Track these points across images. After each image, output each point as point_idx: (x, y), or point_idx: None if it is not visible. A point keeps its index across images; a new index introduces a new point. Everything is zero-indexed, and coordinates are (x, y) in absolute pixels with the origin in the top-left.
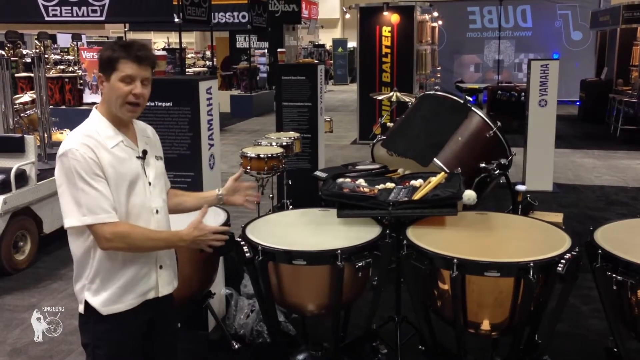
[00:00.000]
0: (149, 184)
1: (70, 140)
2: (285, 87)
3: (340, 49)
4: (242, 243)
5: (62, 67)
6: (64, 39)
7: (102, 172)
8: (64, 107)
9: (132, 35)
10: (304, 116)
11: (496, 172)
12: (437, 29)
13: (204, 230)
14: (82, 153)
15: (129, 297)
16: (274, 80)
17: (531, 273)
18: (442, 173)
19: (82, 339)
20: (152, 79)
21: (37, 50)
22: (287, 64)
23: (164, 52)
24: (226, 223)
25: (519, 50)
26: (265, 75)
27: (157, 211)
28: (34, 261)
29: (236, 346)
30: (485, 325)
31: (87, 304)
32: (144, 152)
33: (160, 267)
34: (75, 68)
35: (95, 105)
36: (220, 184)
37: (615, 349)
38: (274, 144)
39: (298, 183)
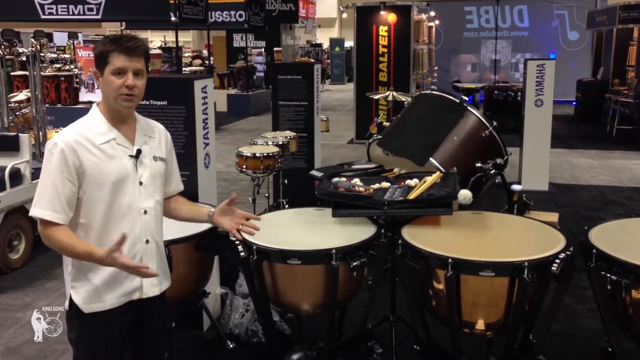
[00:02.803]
0: (140, 183)
1: (59, 134)
2: (281, 87)
3: (337, 48)
4: (237, 242)
5: (58, 65)
6: (60, 38)
7: (75, 173)
8: (59, 105)
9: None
10: (301, 115)
11: (492, 172)
12: (434, 28)
13: (114, 260)
14: (60, 149)
15: (111, 296)
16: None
17: (525, 273)
18: (438, 172)
19: (68, 334)
20: (147, 77)
21: (33, 49)
22: (284, 63)
23: (159, 51)
24: None
25: (515, 50)
26: (262, 74)
27: (145, 212)
28: (29, 260)
29: (231, 346)
30: (480, 325)
31: (71, 300)
32: (138, 152)
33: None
34: (72, 66)
35: (96, 102)
36: (215, 183)
37: (610, 349)
38: (270, 143)
39: (294, 182)
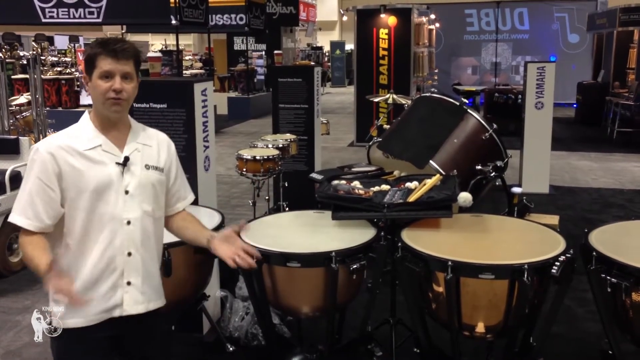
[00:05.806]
0: (126, 192)
1: (42, 141)
2: (282, 89)
3: (337, 51)
4: None
5: (59, 68)
6: (61, 41)
7: (55, 179)
8: (60, 109)
9: (130, 37)
10: (301, 118)
11: (492, 174)
12: (434, 31)
13: (55, 287)
14: (42, 157)
15: (92, 312)
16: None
17: (525, 275)
18: (437, 175)
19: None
20: (147, 80)
21: (34, 52)
22: (284, 65)
23: (159, 54)
24: (220, 225)
25: (516, 52)
26: (262, 77)
27: (128, 222)
28: None
29: (231, 349)
30: (480, 328)
31: (52, 315)
32: (126, 159)
33: (128, 283)
34: (72, 70)
35: (88, 110)
36: (215, 186)
37: (610, 352)
38: (270, 146)
39: (294, 185)
